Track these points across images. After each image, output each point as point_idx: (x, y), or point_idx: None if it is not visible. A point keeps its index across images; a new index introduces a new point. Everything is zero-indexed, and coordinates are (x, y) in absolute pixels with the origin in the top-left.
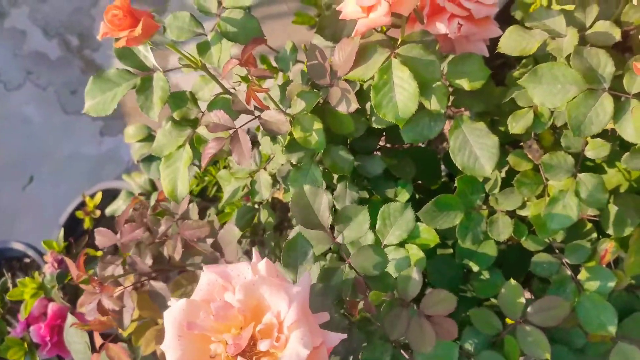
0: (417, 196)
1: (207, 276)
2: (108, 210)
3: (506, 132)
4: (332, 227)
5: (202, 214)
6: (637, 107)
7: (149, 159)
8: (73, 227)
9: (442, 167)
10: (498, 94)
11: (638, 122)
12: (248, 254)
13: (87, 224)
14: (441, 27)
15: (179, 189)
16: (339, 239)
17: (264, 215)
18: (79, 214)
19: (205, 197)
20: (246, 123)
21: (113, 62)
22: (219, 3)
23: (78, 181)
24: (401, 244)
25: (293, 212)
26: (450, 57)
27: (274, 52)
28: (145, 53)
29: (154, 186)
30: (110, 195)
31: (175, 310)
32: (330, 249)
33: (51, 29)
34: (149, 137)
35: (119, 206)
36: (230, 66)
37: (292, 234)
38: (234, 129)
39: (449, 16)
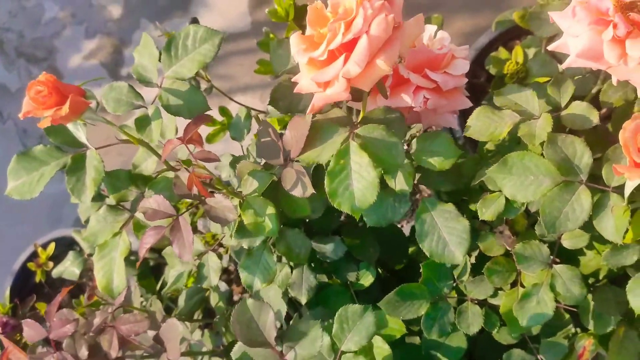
0: (381, 272)
1: None
2: (55, 272)
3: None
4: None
5: (159, 271)
6: (617, 204)
7: None
8: (26, 277)
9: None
10: (468, 173)
11: (619, 221)
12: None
13: (39, 277)
14: (406, 99)
15: (115, 283)
16: (288, 357)
17: (214, 299)
18: (31, 265)
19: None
20: (188, 209)
21: None
22: (159, 73)
23: (37, 220)
24: (362, 351)
25: (234, 329)
26: (418, 132)
27: (247, 92)
28: (75, 131)
29: None
30: (65, 243)
31: None
32: None
33: (11, 59)
34: (99, 197)
35: (65, 268)
36: (171, 147)
37: (235, 351)
38: (175, 217)
39: (415, 88)
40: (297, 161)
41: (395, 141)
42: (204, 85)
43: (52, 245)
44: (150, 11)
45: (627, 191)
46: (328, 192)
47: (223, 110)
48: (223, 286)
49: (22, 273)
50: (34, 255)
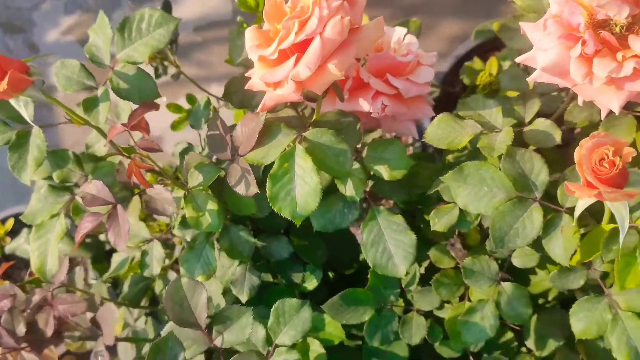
0: (331, 276)
1: None
2: (8, 248)
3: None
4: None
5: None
6: (567, 225)
7: None
8: None
9: None
10: (422, 183)
11: (568, 242)
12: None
13: None
14: (364, 104)
15: (48, 265)
16: (217, 341)
17: (158, 287)
18: None
19: None
20: (127, 199)
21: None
22: (112, 55)
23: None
24: (297, 347)
25: (166, 307)
26: (381, 137)
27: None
28: (18, 108)
29: None
30: None
31: None
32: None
33: None
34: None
35: (19, 245)
36: (115, 132)
37: (165, 330)
38: (113, 205)
39: (374, 93)
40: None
41: (343, 148)
42: (172, 70)
43: (11, 221)
44: None
45: (577, 211)
46: (269, 195)
47: (190, 98)
48: (174, 276)
49: None
50: None
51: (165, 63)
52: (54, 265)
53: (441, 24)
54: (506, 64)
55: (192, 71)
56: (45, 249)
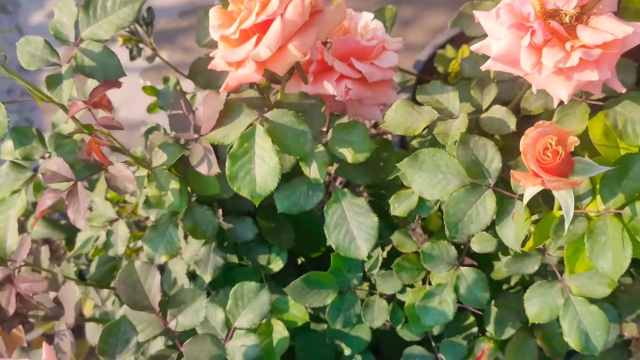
0: (300, 259)
1: None
2: None
3: None
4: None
5: None
6: (518, 211)
7: None
8: None
9: None
10: (390, 169)
11: (520, 228)
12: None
13: None
14: (328, 87)
15: (8, 242)
16: (171, 324)
17: None
18: None
19: None
20: (87, 176)
21: None
22: (77, 33)
23: None
24: (261, 329)
25: (119, 290)
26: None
27: None
28: None
29: None
30: None
31: None
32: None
33: None
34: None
35: None
36: (76, 109)
37: (119, 313)
38: (74, 182)
39: (338, 77)
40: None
41: (303, 129)
42: (147, 52)
43: None
44: None
45: (525, 199)
46: (228, 175)
47: (166, 80)
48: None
49: None
50: None
51: (141, 45)
52: (14, 242)
53: (427, 15)
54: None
55: (177, 57)
56: (5, 225)
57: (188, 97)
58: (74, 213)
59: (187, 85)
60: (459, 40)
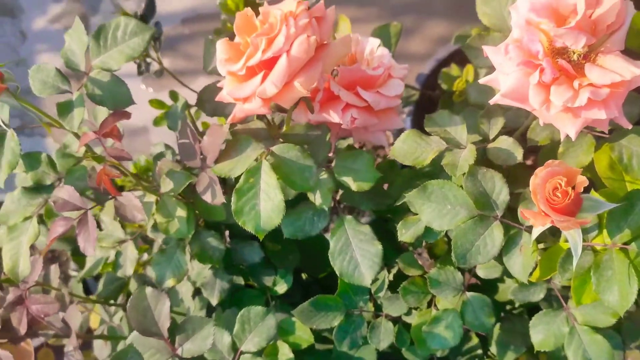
0: (305, 278)
1: None
2: None
3: None
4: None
5: None
6: (526, 244)
7: None
8: None
9: None
10: (395, 192)
11: (527, 260)
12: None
13: None
14: (335, 116)
15: (20, 267)
16: (179, 351)
17: (132, 287)
18: None
19: None
20: (96, 206)
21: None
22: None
23: None
24: (267, 352)
25: (130, 316)
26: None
27: (203, 74)
28: None
29: None
30: None
31: None
32: None
33: None
34: None
35: None
36: (86, 139)
37: (129, 339)
38: (84, 211)
39: (344, 106)
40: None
41: (308, 165)
42: (155, 67)
43: None
44: None
45: (534, 235)
46: (234, 209)
47: (173, 95)
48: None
49: None
50: None
51: (148, 60)
52: (26, 268)
53: (427, 25)
54: (482, 72)
55: (179, 64)
56: (18, 250)
57: (193, 110)
58: (84, 241)
59: (189, 95)
60: (461, 54)
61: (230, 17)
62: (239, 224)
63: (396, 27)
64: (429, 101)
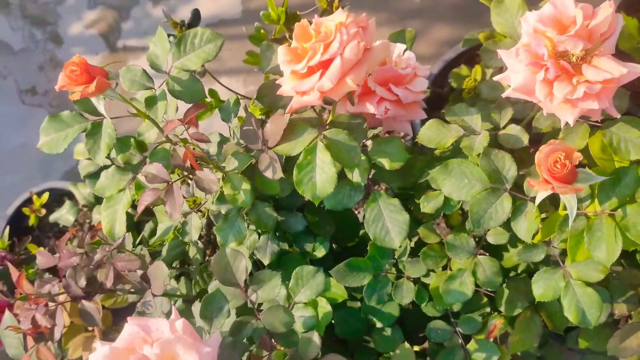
0: (335, 247)
1: (130, 327)
2: (52, 217)
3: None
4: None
5: (140, 226)
6: (530, 211)
7: (95, 176)
8: (18, 220)
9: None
10: (416, 173)
11: (531, 224)
12: (177, 278)
13: (32, 221)
14: (370, 108)
15: (116, 230)
16: (252, 297)
17: (192, 252)
18: (26, 210)
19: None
20: (179, 179)
21: None
22: (169, 63)
23: (27, 172)
24: (310, 303)
25: (213, 270)
26: (380, 132)
27: (232, 75)
28: (97, 104)
29: (97, 200)
30: (57, 193)
31: (98, 356)
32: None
33: (17, 20)
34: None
35: (62, 215)
36: (172, 126)
37: (211, 287)
38: (170, 183)
39: (379, 99)
40: (272, 149)
41: (354, 145)
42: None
43: (46, 195)
44: None
45: (538, 200)
46: (295, 180)
47: (212, 93)
48: (199, 245)
49: (16, 217)
50: (27, 202)
51: None
52: (122, 230)
53: (433, 29)
54: (489, 72)
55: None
56: (114, 216)
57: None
58: (171, 208)
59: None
60: (467, 55)
61: (266, 25)
62: (299, 192)
63: (410, 32)
64: (438, 98)
